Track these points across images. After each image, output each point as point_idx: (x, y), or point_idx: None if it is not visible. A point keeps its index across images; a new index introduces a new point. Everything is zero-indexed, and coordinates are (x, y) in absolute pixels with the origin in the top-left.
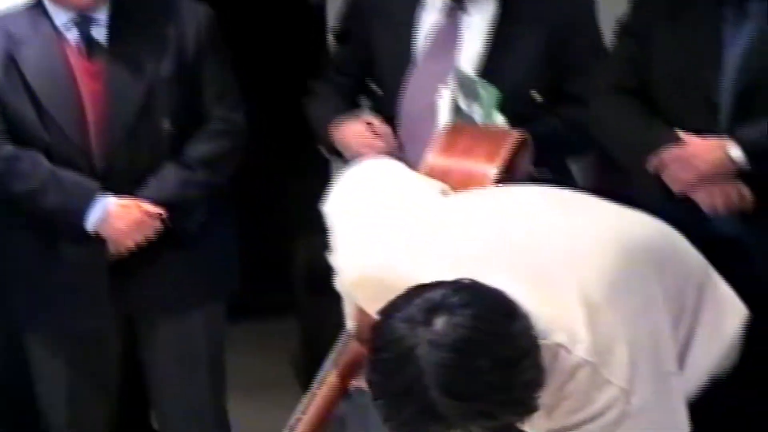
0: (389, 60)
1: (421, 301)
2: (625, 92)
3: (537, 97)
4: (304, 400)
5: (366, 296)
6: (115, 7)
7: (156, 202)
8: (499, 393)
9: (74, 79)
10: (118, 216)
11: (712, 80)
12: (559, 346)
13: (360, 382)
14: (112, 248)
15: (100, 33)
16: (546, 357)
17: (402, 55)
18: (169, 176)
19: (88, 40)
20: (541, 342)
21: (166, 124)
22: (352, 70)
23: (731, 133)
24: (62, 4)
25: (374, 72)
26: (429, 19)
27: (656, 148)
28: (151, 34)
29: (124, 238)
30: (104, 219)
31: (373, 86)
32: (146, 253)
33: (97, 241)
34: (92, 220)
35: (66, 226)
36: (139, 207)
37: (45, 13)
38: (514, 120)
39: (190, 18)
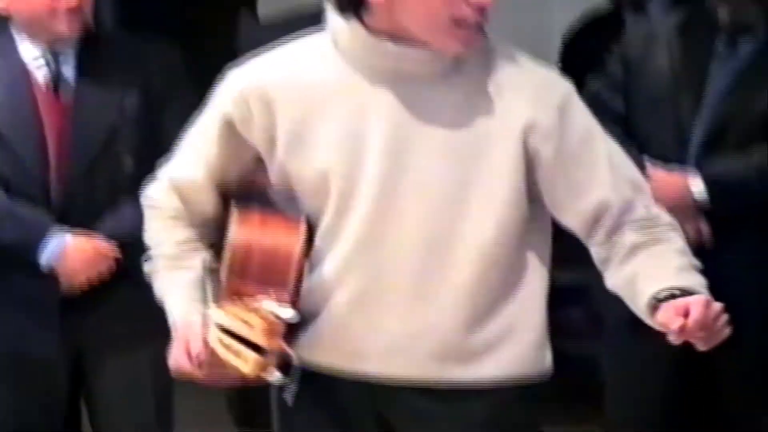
0: None
1: None
2: (607, 115)
3: None
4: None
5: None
6: (84, 44)
7: (111, 239)
8: None
9: (38, 115)
10: (72, 253)
11: (689, 113)
12: None
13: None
14: (64, 284)
15: (67, 69)
16: None
17: None
18: (126, 214)
19: (55, 77)
20: None
21: (127, 162)
22: None
23: (698, 166)
24: (40, 35)
25: None
26: None
27: None
28: (118, 73)
29: (77, 274)
30: (58, 255)
31: None
32: (99, 288)
33: (51, 275)
34: (46, 256)
35: (20, 259)
36: (94, 244)
37: (14, 45)
38: None
39: (158, 58)
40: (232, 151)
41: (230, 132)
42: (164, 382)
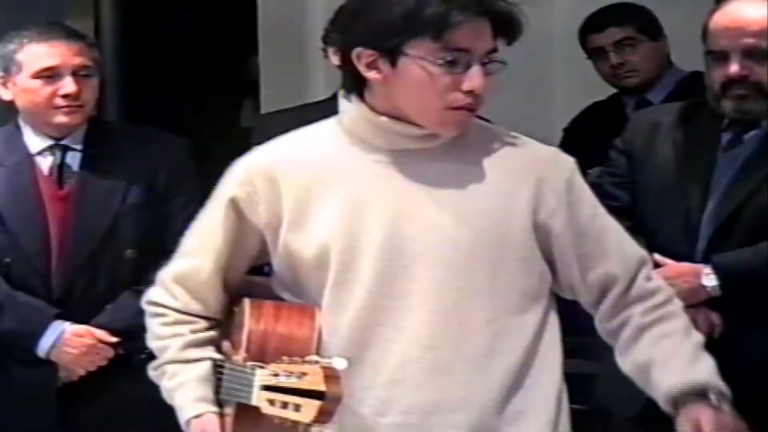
0: None
1: None
2: (613, 208)
3: None
4: None
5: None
6: (91, 133)
7: (111, 330)
8: None
9: (42, 205)
10: (71, 343)
11: (696, 204)
12: None
13: None
14: (63, 374)
15: (73, 158)
16: None
17: None
18: (126, 305)
19: (59, 166)
20: None
21: (129, 253)
22: None
23: (707, 259)
24: (44, 128)
25: None
26: None
27: None
28: (123, 163)
29: (76, 364)
30: (57, 345)
31: None
32: (98, 379)
33: (49, 365)
34: (44, 346)
35: (18, 348)
36: (93, 334)
37: (20, 135)
38: None
39: (165, 149)
40: (237, 237)
41: (236, 215)
42: None
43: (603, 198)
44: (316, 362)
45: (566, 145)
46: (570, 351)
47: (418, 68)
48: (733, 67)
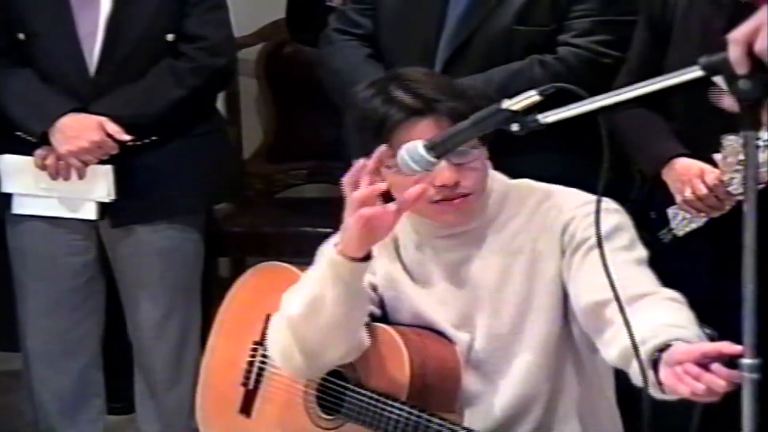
0: (38, 8)
1: None
2: (353, 36)
3: (169, 37)
4: None
5: None
6: None
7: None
8: None
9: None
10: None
11: (432, 37)
12: None
13: None
14: None
15: None
16: None
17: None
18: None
19: None
20: None
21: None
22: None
23: None
24: None
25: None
26: None
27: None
28: None
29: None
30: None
31: (21, 36)
32: None
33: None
34: None
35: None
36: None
37: None
38: (148, 61)
39: None
40: None
41: None
42: None
43: (347, 26)
44: None
45: None
46: None
47: (390, 174)
48: None
